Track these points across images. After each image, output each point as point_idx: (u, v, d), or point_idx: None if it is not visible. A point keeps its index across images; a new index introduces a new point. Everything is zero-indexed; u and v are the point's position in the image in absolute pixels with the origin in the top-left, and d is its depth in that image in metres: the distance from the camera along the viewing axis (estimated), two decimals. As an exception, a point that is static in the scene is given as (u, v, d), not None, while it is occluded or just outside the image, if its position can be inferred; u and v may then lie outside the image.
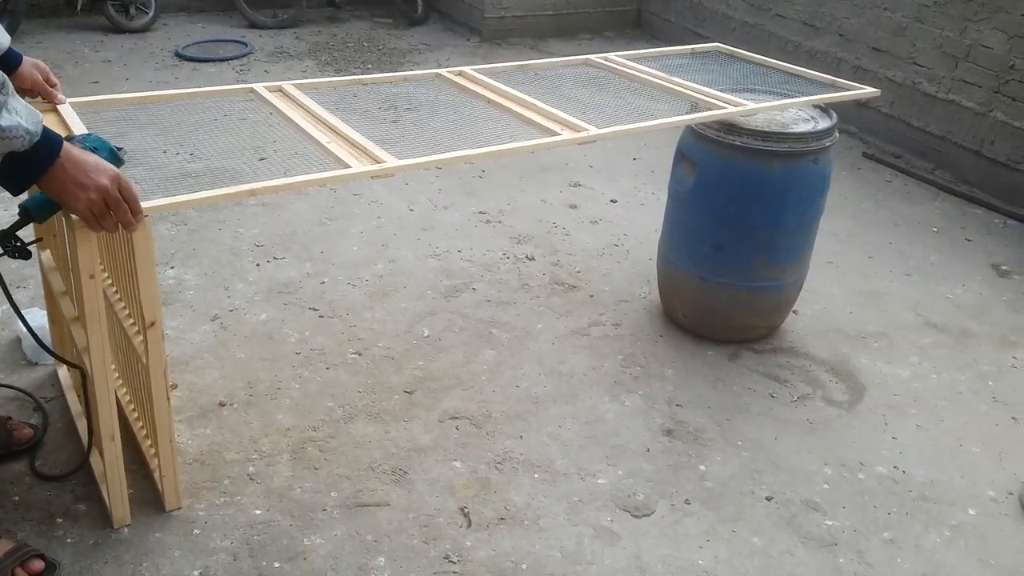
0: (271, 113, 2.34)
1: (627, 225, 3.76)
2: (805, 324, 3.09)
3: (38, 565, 1.86)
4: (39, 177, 1.52)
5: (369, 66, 5.76)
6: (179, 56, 5.58)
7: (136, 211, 1.62)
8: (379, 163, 1.97)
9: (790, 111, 2.76)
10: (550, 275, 3.30)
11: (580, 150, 4.48)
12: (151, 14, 6.12)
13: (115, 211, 1.59)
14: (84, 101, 2.17)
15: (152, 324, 1.83)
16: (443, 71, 2.77)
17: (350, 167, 1.94)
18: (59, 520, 2.02)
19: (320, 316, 2.93)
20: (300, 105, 2.32)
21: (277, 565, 1.96)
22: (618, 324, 3.02)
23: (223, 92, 2.47)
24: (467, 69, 2.79)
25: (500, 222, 3.70)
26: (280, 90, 2.44)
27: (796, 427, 2.56)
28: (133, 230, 1.66)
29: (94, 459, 2.12)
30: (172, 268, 3.15)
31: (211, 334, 2.78)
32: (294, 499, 2.15)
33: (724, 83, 2.89)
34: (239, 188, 1.83)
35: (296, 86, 2.47)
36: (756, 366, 2.84)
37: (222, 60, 5.58)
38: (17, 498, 2.08)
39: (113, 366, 2.41)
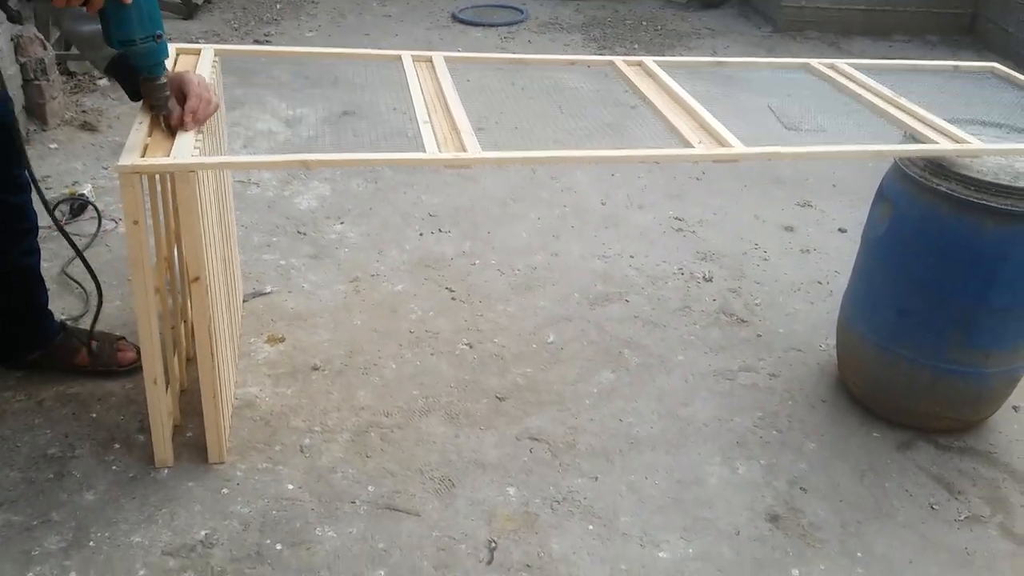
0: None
1: (845, 261, 3.17)
2: (1025, 427, 2.43)
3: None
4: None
5: (636, 46, 5.49)
6: (454, 18, 5.71)
7: None
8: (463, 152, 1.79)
9: (1040, 157, 2.14)
10: (721, 302, 2.90)
11: (830, 165, 3.92)
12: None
13: None
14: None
15: (196, 279, 1.82)
16: (617, 59, 2.50)
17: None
18: (116, 446, 2.11)
19: (452, 298, 2.81)
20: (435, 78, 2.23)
21: (279, 547, 1.89)
22: (775, 375, 2.58)
23: (369, 56, 2.42)
24: (647, 60, 2.49)
25: (693, 232, 3.32)
26: (429, 61, 2.35)
27: (946, 555, 2.01)
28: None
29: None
30: (341, 223, 3.20)
31: (342, 295, 2.78)
32: (330, 483, 2.07)
33: (979, 114, 2.32)
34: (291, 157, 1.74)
35: (446, 58, 2.36)
36: (929, 464, 2.28)
37: (491, 26, 5.62)
38: (94, 415, 2.20)
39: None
